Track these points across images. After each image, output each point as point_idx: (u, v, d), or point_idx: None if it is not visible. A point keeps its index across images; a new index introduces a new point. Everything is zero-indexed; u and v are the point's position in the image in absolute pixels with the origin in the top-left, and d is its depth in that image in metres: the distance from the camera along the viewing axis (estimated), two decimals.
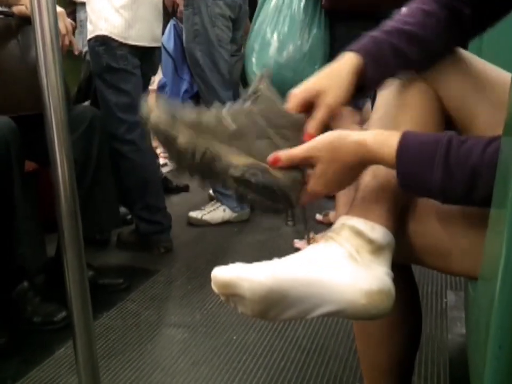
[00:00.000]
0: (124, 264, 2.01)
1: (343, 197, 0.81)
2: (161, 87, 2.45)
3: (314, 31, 1.87)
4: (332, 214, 2.25)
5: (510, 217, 0.42)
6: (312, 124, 0.71)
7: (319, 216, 2.34)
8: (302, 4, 1.86)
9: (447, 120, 0.78)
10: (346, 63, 0.70)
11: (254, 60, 1.98)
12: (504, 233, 0.43)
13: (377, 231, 0.65)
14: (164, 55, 2.35)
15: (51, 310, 1.52)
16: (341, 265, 0.63)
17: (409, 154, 0.61)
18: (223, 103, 2.46)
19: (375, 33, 0.74)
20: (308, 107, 0.72)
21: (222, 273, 0.62)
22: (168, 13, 2.37)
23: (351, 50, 0.71)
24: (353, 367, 1.27)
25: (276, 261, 0.64)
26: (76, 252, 0.91)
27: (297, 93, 0.72)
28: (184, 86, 2.45)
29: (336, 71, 0.70)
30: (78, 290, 0.92)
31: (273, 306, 0.62)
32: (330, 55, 1.92)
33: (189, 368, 1.31)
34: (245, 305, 0.62)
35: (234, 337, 1.44)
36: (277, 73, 1.89)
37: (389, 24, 0.75)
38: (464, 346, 1.30)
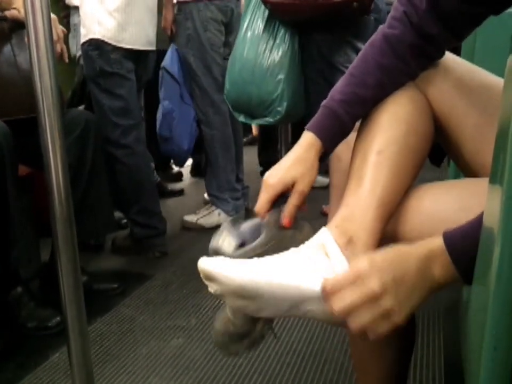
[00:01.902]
0: (119, 269, 2.00)
1: (336, 190, 0.82)
2: (167, 113, 2.35)
3: (276, 45, 1.92)
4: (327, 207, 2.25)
5: (504, 219, 0.43)
6: (288, 209, 0.76)
7: (325, 208, 2.33)
8: (264, 21, 1.92)
9: (436, 126, 0.78)
10: (310, 149, 0.77)
11: (227, 76, 2.01)
12: (498, 234, 0.43)
13: (342, 267, 0.65)
14: (169, 80, 2.30)
15: (46, 315, 1.51)
16: (314, 272, 0.65)
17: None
18: (215, 106, 2.45)
19: (331, 104, 0.77)
20: (283, 193, 0.78)
21: (204, 264, 0.65)
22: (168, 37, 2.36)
23: (310, 130, 0.77)
24: (349, 371, 1.27)
25: (255, 260, 0.66)
26: (70, 256, 0.91)
27: (275, 185, 0.77)
28: (192, 112, 2.37)
29: (303, 159, 0.77)
30: (72, 295, 0.92)
31: (250, 303, 0.65)
32: (303, 63, 1.96)
33: (184, 373, 1.31)
34: (226, 297, 0.66)
35: None
36: (243, 89, 1.93)
37: (345, 87, 0.77)
38: (459, 348, 1.31)
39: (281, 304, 0.65)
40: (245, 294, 0.64)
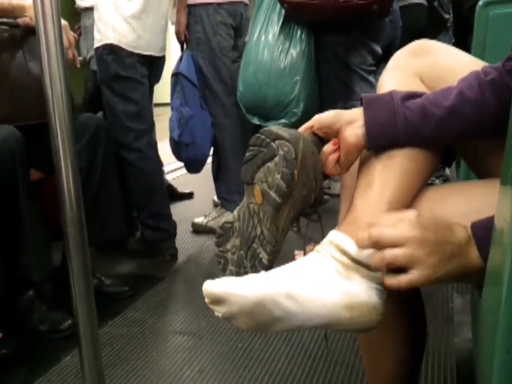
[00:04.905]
0: (129, 272, 2.01)
1: (347, 190, 0.81)
2: (189, 120, 2.32)
3: (292, 46, 1.91)
4: None
5: None
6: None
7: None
8: (280, 22, 1.91)
9: None
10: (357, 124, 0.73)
11: (239, 78, 2.01)
12: (510, 235, 0.43)
13: (364, 252, 0.65)
14: (188, 86, 2.28)
15: (57, 318, 1.52)
16: (325, 280, 0.64)
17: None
18: (225, 108, 2.45)
19: (396, 98, 0.70)
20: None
21: (212, 288, 0.64)
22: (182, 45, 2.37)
23: (363, 106, 0.72)
24: (360, 373, 1.27)
25: (263, 274, 0.65)
26: (81, 260, 0.91)
27: (322, 116, 0.76)
28: (209, 117, 2.34)
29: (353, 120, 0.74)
30: (83, 299, 0.92)
31: (262, 320, 0.63)
32: (318, 65, 1.95)
33: (194, 376, 1.31)
34: (236, 319, 0.64)
35: (240, 344, 1.44)
36: (258, 91, 1.93)
37: (417, 100, 0.70)
38: (471, 351, 1.29)
39: (297, 317, 0.63)
40: (261, 310, 0.62)
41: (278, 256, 0.73)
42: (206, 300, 0.65)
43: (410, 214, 0.61)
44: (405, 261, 0.58)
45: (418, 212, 0.62)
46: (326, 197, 2.70)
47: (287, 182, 0.70)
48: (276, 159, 0.71)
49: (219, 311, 0.64)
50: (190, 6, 2.24)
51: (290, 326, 0.64)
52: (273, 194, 0.71)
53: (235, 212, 0.76)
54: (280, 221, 0.72)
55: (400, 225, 0.59)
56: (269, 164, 0.71)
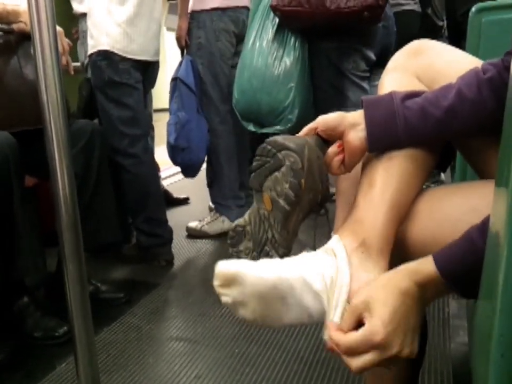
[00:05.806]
0: (125, 278, 2.01)
1: (342, 196, 0.81)
2: (186, 124, 2.33)
3: (286, 53, 1.92)
4: None
5: (510, 221, 0.42)
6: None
7: None
8: (273, 29, 1.92)
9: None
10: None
11: (235, 85, 2.02)
12: (505, 236, 0.43)
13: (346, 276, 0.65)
14: (185, 91, 2.29)
15: (52, 324, 1.51)
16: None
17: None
18: (221, 115, 2.44)
19: (396, 98, 0.71)
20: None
21: (226, 267, 0.62)
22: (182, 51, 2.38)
23: (364, 107, 0.73)
24: (356, 380, 1.27)
25: (278, 261, 0.66)
26: (76, 265, 0.91)
27: (326, 118, 0.78)
28: (206, 123, 2.35)
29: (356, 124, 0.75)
30: (79, 305, 0.92)
31: (273, 306, 0.62)
32: (311, 72, 1.96)
33: (191, 382, 1.30)
34: (246, 304, 0.62)
35: (237, 350, 1.43)
36: (252, 97, 1.93)
37: (417, 99, 0.71)
38: (467, 355, 1.30)
39: (304, 309, 0.63)
40: (276, 293, 0.61)
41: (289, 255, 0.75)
42: (216, 283, 0.63)
43: (376, 325, 0.57)
44: (387, 364, 0.58)
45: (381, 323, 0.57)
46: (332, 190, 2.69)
47: (295, 191, 0.72)
48: (283, 169, 0.73)
49: (229, 294, 0.62)
50: (195, 12, 2.24)
51: (298, 317, 0.63)
52: (282, 202, 0.72)
53: (246, 216, 0.78)
54: (290, 225, 0.74)
55: (369, 348, 0.57)
56: (276, 173, 0.73)
